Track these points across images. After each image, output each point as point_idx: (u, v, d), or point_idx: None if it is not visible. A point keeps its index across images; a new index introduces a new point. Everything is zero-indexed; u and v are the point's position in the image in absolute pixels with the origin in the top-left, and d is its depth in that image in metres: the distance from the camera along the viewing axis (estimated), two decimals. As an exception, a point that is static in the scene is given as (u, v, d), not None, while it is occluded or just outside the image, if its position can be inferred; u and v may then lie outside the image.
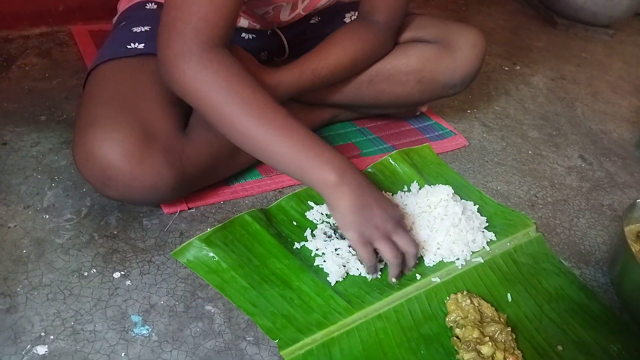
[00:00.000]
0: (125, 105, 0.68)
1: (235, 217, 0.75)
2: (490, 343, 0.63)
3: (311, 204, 0.82)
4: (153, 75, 0.72)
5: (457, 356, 0.64)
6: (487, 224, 0.83)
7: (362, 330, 0.66)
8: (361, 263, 0.72)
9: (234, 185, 0.84)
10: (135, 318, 0.62)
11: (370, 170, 0.91)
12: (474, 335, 0.64)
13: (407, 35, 0.93)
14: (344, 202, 0.65)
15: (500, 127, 1.16)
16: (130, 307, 0.64)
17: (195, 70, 0.64)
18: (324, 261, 0.72)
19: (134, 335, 0.61)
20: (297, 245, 0.75)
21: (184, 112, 0.75)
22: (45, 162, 0.83)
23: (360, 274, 0.72)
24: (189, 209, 0.79)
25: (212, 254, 0.70)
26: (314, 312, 0.66)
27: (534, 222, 0.86)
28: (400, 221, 0.70)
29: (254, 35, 0.94)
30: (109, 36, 0.84)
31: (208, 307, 0.65)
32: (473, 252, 0.78)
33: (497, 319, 0.68)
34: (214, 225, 0.74)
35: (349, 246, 0.73)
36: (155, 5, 0.86)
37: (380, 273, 0.72)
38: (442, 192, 0.80)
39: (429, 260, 0.75)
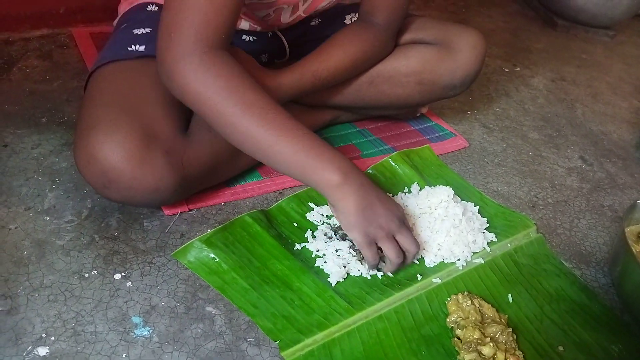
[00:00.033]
0: (126, 107, 0.68)
1: (236, 218, 0.76)
2: (491, 344, 0.63)
3: (312, 205, 0.82)
4: (154, 77, 0.72)
5: (458, 357, 0.64)
6: (488, 225, 0.83)
7: (363, 331, 0.66)
8: (362, 262, 0.72)
9: (234, 187, 0.84)
10: (136, 319, 0.63)
11: (370, 171, 0.92)
12: (475, 336, 0.64)
13: (407, 37, 0.93)
14: (347, 202, 0.66)
15: (500, 129, 1.16)
16: (131, 308, 0.64)
17: (196, 72, 0.64)
18: (325, 262, 0.72)
19: (134, 336, 0.61)
20: (297, 246, 0.75)
21: (185, 114, 0.75)
22: (46, 164, 0.83)
23: (361, 275, 0.72)
24: (190, 210, 0.79)
25: (212, 255, 0.70)
26: (315, 313, 0.66)
27: (535, 223, 0.86)
28: (403, 220, 0.70)
29: (255, 38, 0.94)
30: (110, 38, 0.84)
31: (209, 308, 0.65)
32: (474, 253, 0.78)
33: (498, 319, 0.68)
34: (215, 227, 0.74)
35: (350, 247, 0.74)
36: (156, 7, 0.86)
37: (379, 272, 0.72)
38: (443, 193, 0.80)
39: (430, 261, 0.75)
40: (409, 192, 0.87)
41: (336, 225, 0.78)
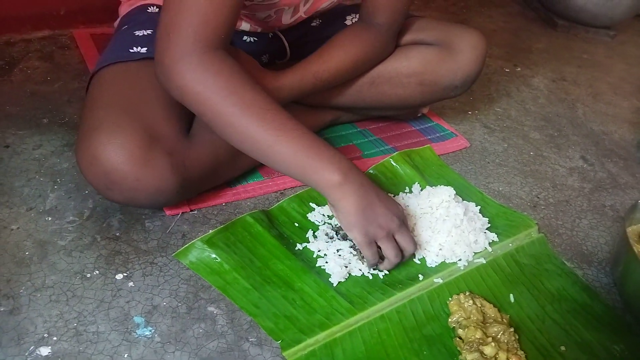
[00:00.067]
0: (128, 109, 0.68)
1: (237, 218, 0.76)
2: (493, 344, 0.63)
3: (313, 205, 0.82)
4: (156, 79, 0.72)
5: (460, 357, 0.64)
6: (489, 225, 0.83)
7: (365, 331, 0.66)
8: (362, 261, 0.72)
9: (236, 187, 0.84)
10: (138, 319, 0.63)
11: (371, 171, 0.92)
12: (477, 336, 0.64)
13: (408, 37, 0.93)
14: (346, 202, 0.65)
15: (501, 129, 1.16)
16: (133, 308, 0.64)
17: (195, 72, 0.64)
18: (326, 262, 0.72)
19: (136, 336, 0.61)
20: (299, 246, 0.75)
21: (187, 115, 0.75)
22: (48, 165, 0.83)
23: (362, 275, 0.72)
24: (191, 210, 0.79)
25: (214, 256, 0.70)
26: (317, 313, 0.66)
27: (536, 223, 0.86)
28: (403, 220, 0.70)
29: (256, 38, 0.94)
30: (111, 40, 0.84)
31: (210, 308, 0.66)
32: (475, 253, 0.78)
33: (499, 319, 0.68)
34: (216, 227, 0.74)
35: (351, 247, 0.74)
36: (157, 9, 0.86)
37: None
38: (444, 193, 0.80)
39: (431, 261, 0.75)
40: (410, 192, 0.87)
41: (337, 225, 0.78)
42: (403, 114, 1.07)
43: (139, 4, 0.88)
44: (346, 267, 0.72)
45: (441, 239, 0.76)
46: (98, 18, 1.25)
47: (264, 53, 0.97)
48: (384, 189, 0.87)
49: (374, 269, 0.72)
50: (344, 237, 0.75)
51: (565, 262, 0.82)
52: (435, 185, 0.85)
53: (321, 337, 0.64)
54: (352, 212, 0.66)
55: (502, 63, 1.49)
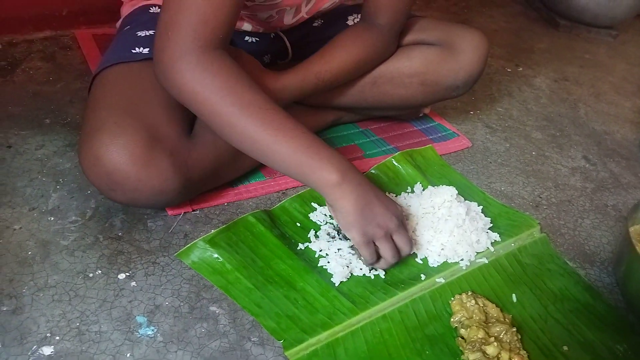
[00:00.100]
0: (131, 109, 0.68)
1: (239, 218, 0.76)
2: (495, 343, 0.63)
3: (314, 205, 0.82)
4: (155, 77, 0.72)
5: (462, 357, 0.63)
6: (491, 225, 0.83)
7: (367, 331, 0.66)
8: (360, 260, 0.72)
9: (237, 187, 0.84)
10: (141, 319, 0.63)
11: (373, 171, 0.92)
12: (479, 336, 0.64)
13: (409, 37, 0.93)
14: (345, 202, 0.65)
15: (503, 129, 1.16)
16: (136, 308, 0.64)
17: (194, 71, 0.64)
18: (328, 262, 0.72)
19: (139, 336, 0.61)
20: (300, 246, 0.75)
21: (189, 116, 0.75)
22: (50, 165, 0.83)
23: (364, 274, 0.72)
24: (193, 210, 0.79)
25: (216, 255, 0.70)
26: (319, 313, 0.66)
27: (539, 223, 0.86)
28: (402, 220, 0.70)
29: (257, 39, 0.94)
30: (113, 40, 0.84)
31: (213, 308, 0.66)
32: (477, 253, 0.78)
33: (502, 319, 0.68)
34: (218, 227, 0.74)
35: (350, 246, 0.74)
36: (159, 9, 0.86)
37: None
38: (446, 193, 0.80)
39: (433, 261, 0.75)
40: (412, 192, 0.87)
41: (338, 225, 0.78)
42: (405, 114, 1.07)
43: (141, 5, 0.88)
44: (348, 266, 0.72)
45: (443, 238, 0.76)
46: (100, 18, 1.26)
47: (265, 53, 0.97)
48: (385, 189, 0.87)
49: (370, 269, 0.72)
50: (346, 237, 0.75)
51: (568, 261, 0.82)
52: (437, 185, 0.85)
53: (323, 336, 0.64)
54: (351, 211, 0.66)
55: (503, 63, 1.49)
